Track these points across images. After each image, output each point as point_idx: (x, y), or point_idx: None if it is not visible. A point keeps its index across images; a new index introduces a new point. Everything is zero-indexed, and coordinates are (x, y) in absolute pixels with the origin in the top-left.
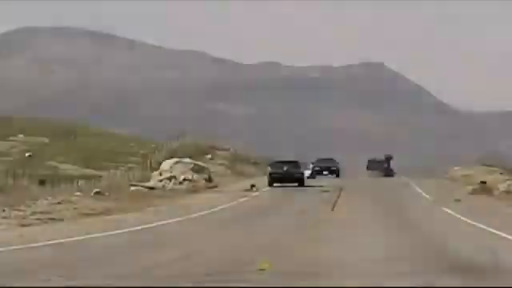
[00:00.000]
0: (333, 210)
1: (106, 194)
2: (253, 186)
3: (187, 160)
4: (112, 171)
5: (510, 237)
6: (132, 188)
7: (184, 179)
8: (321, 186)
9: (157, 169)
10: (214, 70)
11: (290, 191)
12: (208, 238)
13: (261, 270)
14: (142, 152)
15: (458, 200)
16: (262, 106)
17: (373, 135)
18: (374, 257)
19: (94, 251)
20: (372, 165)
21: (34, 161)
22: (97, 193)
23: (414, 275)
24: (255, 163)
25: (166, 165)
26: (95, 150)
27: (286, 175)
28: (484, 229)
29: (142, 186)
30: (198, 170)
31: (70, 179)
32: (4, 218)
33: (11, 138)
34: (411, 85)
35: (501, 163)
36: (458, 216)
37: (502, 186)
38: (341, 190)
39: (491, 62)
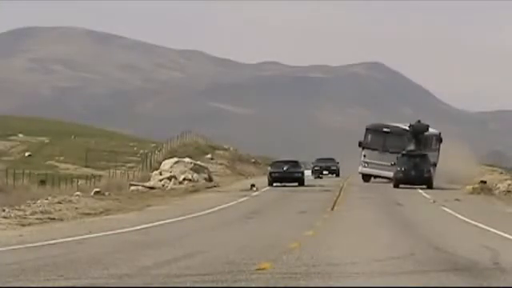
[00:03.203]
0: (333, 209)
1: (106, 193)
2: (253, 185)
3: (187, 160)
4: (112, 171)
5: (509, 236)
6: (132, 188)
7: (184, 179)
8: (321, 186)
9: (157, 168)
10: (213, 70)
11: (290, 191)
12: (208, 238)
13: (261, 269)
14: (141, 151)
15: (458, 199)
16: (262, 106)
17: None
18: (373, 256)
19: (94, 251)
20: (376, 139)
21: (33, 161)
22: (97, 192)
23: (413, 275)
24: (255, 163)
25: (166, 164)
26: (95, 150)
27: (286, 175)
28: (483, 228)
29: (141, 186)
30: (197, 169)
31: (70, 179)
32: (4, 217)
33: (11, 138)
34: (411, 84)
35: (501, 163)
36: (458, 215)
37: (502, 186)
38: (341, 189)
39: (491, 61)
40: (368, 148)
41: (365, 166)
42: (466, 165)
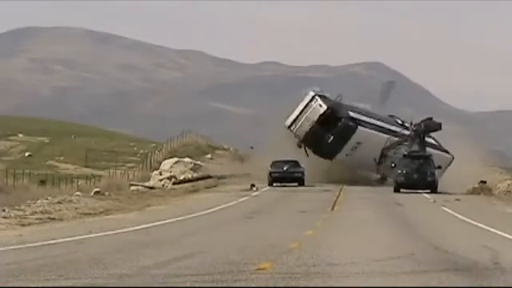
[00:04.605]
0: (333, 209)
1: (106, 193)
2: (253, 185)
3: (187, 160)
4: (112, 171)
5: (509, 236)
6: (132, 188)
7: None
8: (321, 186)
9: (157, 168)
10: (213, 70)
11: (290, 191)
12: (208, 238)
13: (261, 269)
14: (141, 151)
15: (458, 200)
16: (262, 106)
17: None
18: (373, 256)
19: (94, 251)
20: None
21: (33, 161)
22: (97, 192)
23: (413, 275)
24: None
25: (166, 164)
26: (95, 150)
27: (286, 175)
28: (483, 228)
29: (141, 186)
30: (197, 169)
31: (70, 179)
32: (4, 217)
33: (11, 138)
34: (411, 84)
35: (501, 163)
36: (458, 215)
37: (502, 186)
38: (341, 189)
39: (491, 61)
40: None
41: None
42: (477, 168)
